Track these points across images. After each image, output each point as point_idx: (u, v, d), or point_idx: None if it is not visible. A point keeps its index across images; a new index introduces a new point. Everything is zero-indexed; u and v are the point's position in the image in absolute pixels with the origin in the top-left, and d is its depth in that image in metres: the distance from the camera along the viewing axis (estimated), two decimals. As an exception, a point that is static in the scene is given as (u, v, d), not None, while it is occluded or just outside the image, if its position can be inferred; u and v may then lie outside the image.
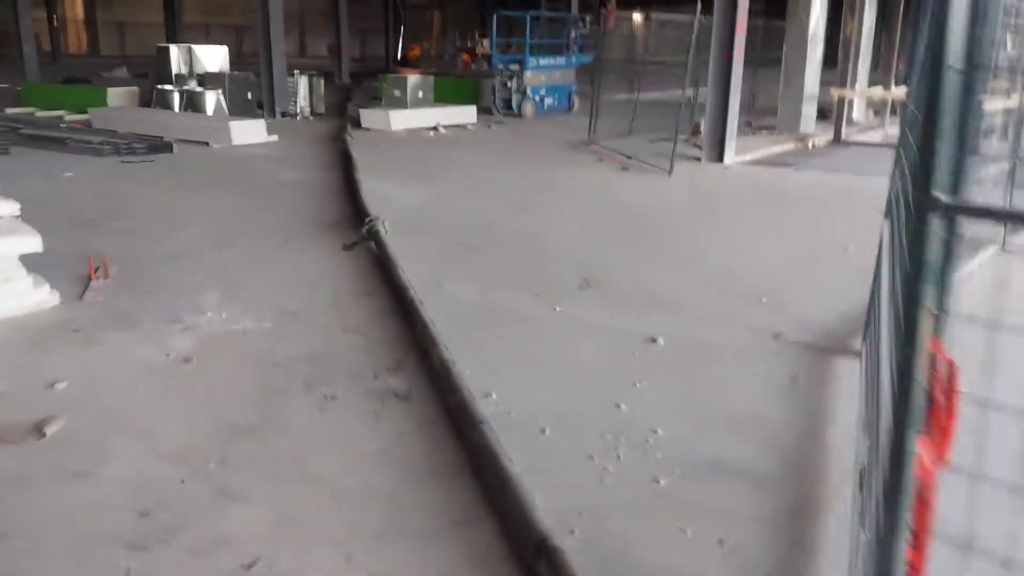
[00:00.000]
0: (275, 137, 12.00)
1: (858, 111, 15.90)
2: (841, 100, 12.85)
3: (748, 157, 10.80)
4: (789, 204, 8.17)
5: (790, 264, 5.95)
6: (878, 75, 15.02)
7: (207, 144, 11.20)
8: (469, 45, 37.21)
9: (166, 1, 29.80)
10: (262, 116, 14.51)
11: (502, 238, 6.55)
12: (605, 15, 11.55)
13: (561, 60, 17.37)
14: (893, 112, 15.10)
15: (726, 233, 6.85)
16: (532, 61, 16.29)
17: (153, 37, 28.78)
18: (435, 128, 13.75)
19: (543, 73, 16.66)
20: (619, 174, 9.76)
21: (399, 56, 33.81)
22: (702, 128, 10.19)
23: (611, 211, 7.68)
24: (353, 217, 7.12)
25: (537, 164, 10.54)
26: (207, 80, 14.02)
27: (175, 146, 10.76)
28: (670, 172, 9.51)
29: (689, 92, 14.30)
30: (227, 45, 16.47)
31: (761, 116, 15.50)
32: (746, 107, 13.91)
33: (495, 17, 16.59)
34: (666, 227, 7.09)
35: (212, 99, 12.96)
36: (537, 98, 16.52)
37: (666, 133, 13.49)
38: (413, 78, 14.16)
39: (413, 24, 37.08)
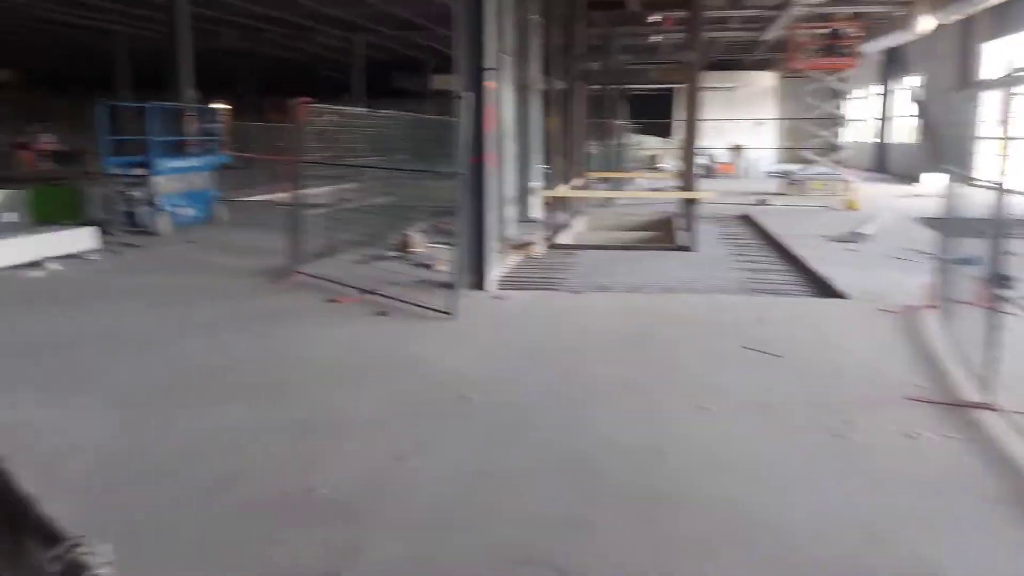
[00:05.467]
0: None
1: (535, 210, 15.24)
2: (551, 202, 11.74)
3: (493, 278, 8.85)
4: (664, 353, 6.18)
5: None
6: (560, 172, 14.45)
7: None
8: (24, 140, 30.37)
9: None
10: None
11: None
12: (297, 108, 8.81)
13: (198, 161, 13.88)
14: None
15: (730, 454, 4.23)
16: (162, 163, 12.61)
17: None
18: (39, 264, 9.43)
19: (177, 178, 13.03)
20: (380, 323, 7.03)
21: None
22: (464, 252, 7.94)
23: (463, 414, 4.91)
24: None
25: (247, 316, 7.29)
26: None
27: None
28: (450, 313, 7.09)
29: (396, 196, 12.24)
30: None
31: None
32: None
33: (106, 110, 12.51)
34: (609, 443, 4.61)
35: None
36: (172, 209, 12.81)
37: (372, 249, 11.09)
38: (-4, 195, 9.64)
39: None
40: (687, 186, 11.37)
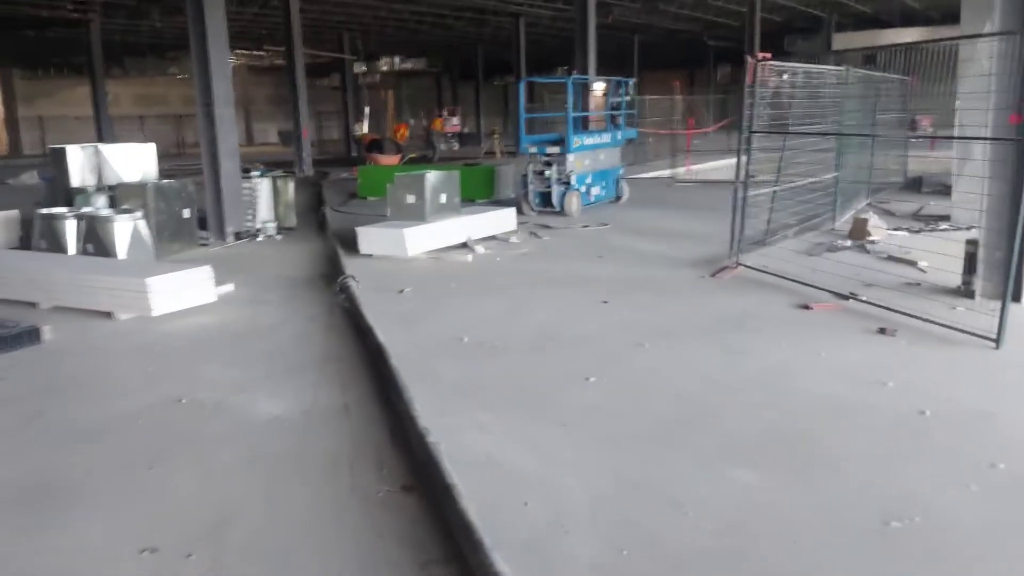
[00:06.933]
0: (230, 287, 7.30)
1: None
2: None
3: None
4: None
5: None
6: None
7: (110, 316, 6.44)
8: (435, 123, 33.33)
9: (93, 92, 24.96)
10: (206, 242, 9.85)
11: None
12: (751, 65, 7.24)
13: (607, 137, 13.14)
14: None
15: None
16: (576, 141, 11.99)
17: (81, 133, 23.85)
18: (466, 246, 9.22)
19: (588, 156, 12.37)
20: (890, 347, 5.23)
21: (369, 142, 29.29)
22: (977, 250, 5.75)
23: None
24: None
25: (705, 322, 5.96)
26: (121, 195, 9.32)
27: (47, 328, 5.97)
28: (997, 343, 5.03)
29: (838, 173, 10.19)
30: (164, 138, 11.98)
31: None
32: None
33: (522, 87, 12.26)
34: None
35: (125, 228, 8.20)
36: (582, 188, 12.17)
37: (817, 236, 9.23)
38: (433, 176, 9.62)
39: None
40: None
